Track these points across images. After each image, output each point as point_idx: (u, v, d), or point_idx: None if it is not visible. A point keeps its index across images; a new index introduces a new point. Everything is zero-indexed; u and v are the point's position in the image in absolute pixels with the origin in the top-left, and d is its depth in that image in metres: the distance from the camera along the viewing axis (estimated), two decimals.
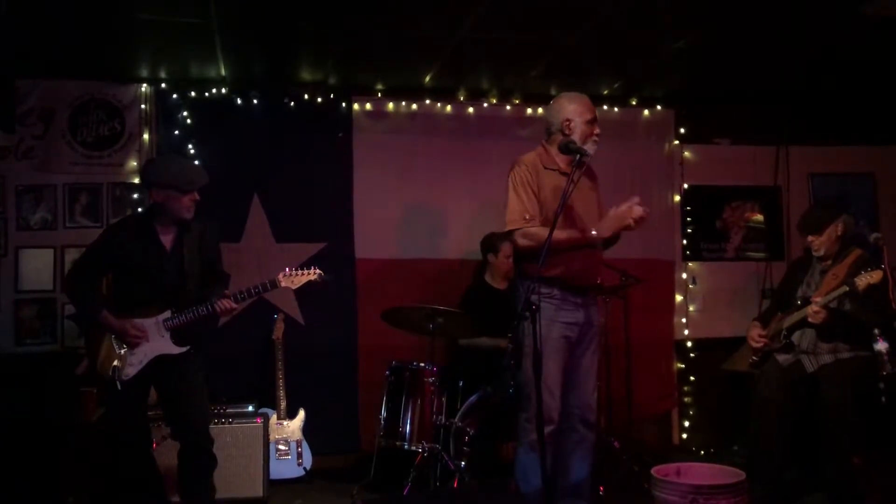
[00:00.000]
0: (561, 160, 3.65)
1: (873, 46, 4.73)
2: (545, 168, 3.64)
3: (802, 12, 4.18)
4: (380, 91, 5.44)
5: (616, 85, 5.53)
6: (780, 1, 4.03)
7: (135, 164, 5.14)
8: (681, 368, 5.85)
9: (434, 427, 4.42)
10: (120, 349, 3.63)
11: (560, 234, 3.41)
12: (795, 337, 4.28)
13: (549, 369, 3.46)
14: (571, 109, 3.65)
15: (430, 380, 4.47)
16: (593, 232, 3.50)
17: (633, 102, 5.81)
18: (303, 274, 3.89)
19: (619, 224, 3.50)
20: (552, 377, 3.51)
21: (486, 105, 5.60)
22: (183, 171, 3.66)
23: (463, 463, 4.31)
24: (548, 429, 3.49)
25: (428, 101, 5.52)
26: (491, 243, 4.97)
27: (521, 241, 3.58)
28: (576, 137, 3.60)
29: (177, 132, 5.17)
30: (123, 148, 5.15)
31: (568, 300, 3.56)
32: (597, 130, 3.64)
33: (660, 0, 3.99)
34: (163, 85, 5.18)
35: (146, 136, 5.17)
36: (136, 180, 5.09)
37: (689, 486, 3.55)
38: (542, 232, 3.37)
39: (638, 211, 3.50)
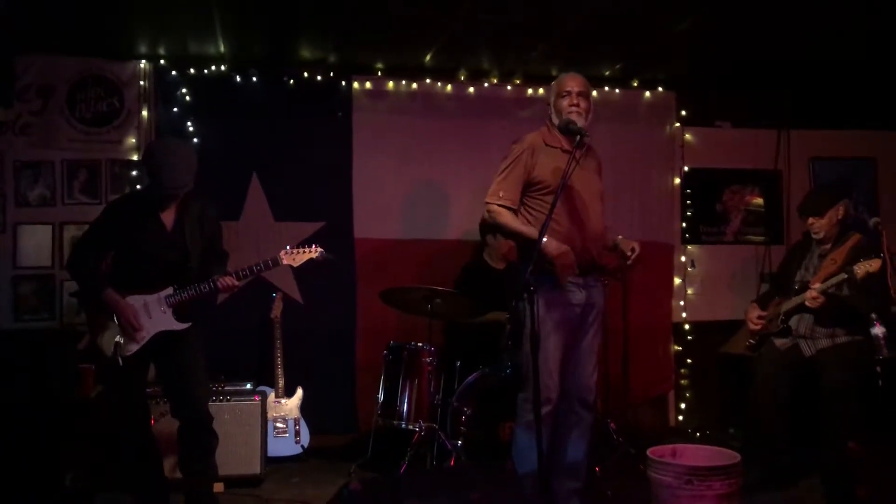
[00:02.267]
0: (564, 139, 3.65)
1: (872, 31, 4.69)
2: (546, 145, 3.65)
3: None
4: (380, 70, 5.41)
5: (617, 66, 5.50)
6: None
7: (133, 141, 5.12)
8: (678, 351, 5.86)
9: (431, 407, 4.44)
10: (121, 326, 3.63)
11: (515, 224, 3.57)
12: (793, 321, 4.29)
13: (548, 350, 3.47)
14: (552, 90, 3.72)
15: (428, 360, 4.48)
16: (544, 239, 3.39)
17: (635, 84, 5.78)
18: (304, 252, 3.89)
19: (561, 264, 3.42)
20: (551, 358, 3.52)
21: (486, 85, 5.58)
22: (162, 170, 3.54)
23: (460, 442, 4.34)
24: (545, 409, 3.51)
25: (428, 81, 5.49)
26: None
27: (485, 216, 3.70)
28: (560, 116, 3.64)
29: (175, 109, 5.15)
30: (122, 125, 5.13)
31: (570, 281, 3.55)
32: (573, 101, 3.62)
33: None
34: (162, 62, 5.15)
35: (145, 114, 5.15)
36: (135, 157, 5.08)
37: (685, 468, 3.57)
38: (502, 216, 3.57)
39: (633, 258, 3.64)
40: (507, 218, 3.59)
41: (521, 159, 3.61)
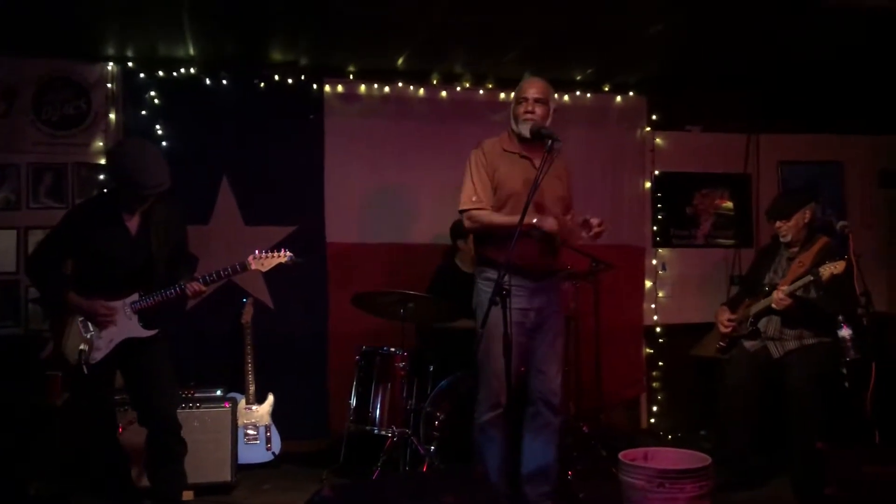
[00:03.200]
0: (521, 145, 3.68)
1: (839, 37, 4.77)
2: (504, 151, 3.70)
3: (772, 2, 4.19)
4: (352, 73, 5.38)
5: (589, 71, 5.53)
6: None
7: (101, 144, 5.04)
8: (650, 354, 5.90)
9: (404, 412, 4.43)
10: (87, 333, 3.57)
11: (499, 218, 3.59)
12: (762, 324, 4.34)
13: (496, 353, 3.48)
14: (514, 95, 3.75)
15: (401, 364, 4.47)
16: (534, 220, 3.49)
17: (606, 89, 5.81)
18: (273, 256, 3.83)
19: (566, 232, 3.47)
20: (499, 362, 3.53)
21: (459, 89, 5.57)
22: (139, 172, 3.49)
23: (433, 447, 4.32)
24: (495, 412, 3.56)
25: (401, 84, 5.47)
26: (460, 228, 4.97)
27: (467, 223, 3.75)
28: (516, 122, 3.68)
29: (144, 112, 5.08)
30: (89, 128, 5.05)
31: (520, 286, 3.55)
32: (528, 108, 3.65)
33: None
34: (130, 64, 5.07)
35: (113, 116, 5.07)
36: (103, 161, 4.99)
37: (656, 471, 3.59)
38: (486, 215, 3.62)
39: (596, 230, 3.53)
40: (489, 217, 3.63)
41: (483, 163, 3.67)
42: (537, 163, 3.62)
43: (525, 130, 3.64)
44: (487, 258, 3.71)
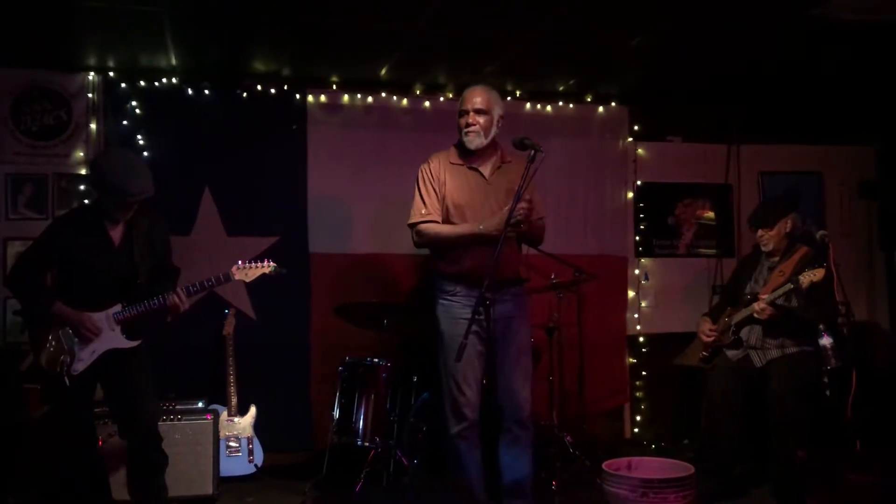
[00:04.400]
0: (469, 157, 3.70)
1: (822, 49, 4.83)
2: (451, 164, 3.72)
3: (753, 14, 4.23)
4: (335, 83, 5.38)
5: (571, 82, 5.56)
6: (731, 4, 4.08)
7: (82, 154, 5.01)
8: (633, 363, 5.91)
9: (388, 423, 4.40)
10: (68, 344, 3.53)
11: (447, 229, 3.61)
12: (744, 332, 4.36)
13: (456, 367, 3.48)
14: None
15: (384, 375, 4.45)
16: (480, 227, 3.51)
17: (589, 99, 5.84)
18: (256, 267, 3.82)
19: (501, 221, 3.41)
20: (460, 374, 3.53)
21: (442, 100, 5.58)
22: (123, 179, 3.48)
23: (416, 459, 4.30)
24: (461, 425, 3.54)
25: (384, 95, 5.48)
26: None
27: (415, 238, 3.74)
28: (460, 134, 3.68)
29: (125, 122, 5.05)
30: (70, 138, 5.02)
31: (474, 297, 3.43)
32: (469, 120, 3.64)
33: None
34: (111, 74, 5.05)
35: (93, 127, 5.04)
36: (84, 171, 4.97)
37: (640, 480, 3.61)
38: (433, 228, 3.62)
39: (522, 206, 3.44)
40: (438, 228, 3.64)
41: (431, 177, 3.69)
42: (486, 173, 3.66)
43: (470, 143, 3.63)
44: (441, 271, 3.70)
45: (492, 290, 3.51)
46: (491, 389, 3.60)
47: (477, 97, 3.66)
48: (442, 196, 3.69)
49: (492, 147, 3.72)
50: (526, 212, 3.46)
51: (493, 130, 3.67)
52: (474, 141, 3.64)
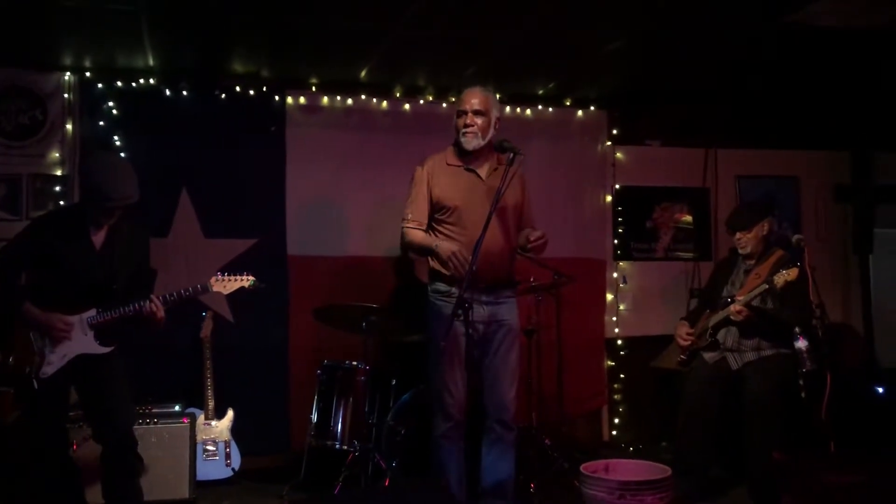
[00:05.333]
0: (466, 158, 3.72)
1: (794, 54, 4.88)
2: (448, 165, 3.74)
3: (729, 19, 4.27)
4: (314, 85, 5.36)
5: (551, 85, 5.58)
6: (708, 8, 4.12)
7: (57, 155, 4.95)
8: (611, 366, 5.93)
9: (366, 426, 4.39)
10: (38, 346, 3.48)
11: (418, 238, 3.69)
12: (720, 335, 4.39)
13: (446, 368, 3.50)
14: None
15: (363, 379, 4.44)
16: (436, 245, 3.60)
17: (568, 103, 5.86)
18: (235, 280, 3.83)
19: (452, 264, 3.49)
20: (449, 375, 3.54)
21: (422, 102, 5.58)
22: (107, 183, 3.46)
23: (394, 462, 4.30)
24: (447, 425, 3.56)
25: (364, 97, 5.46)
26: None
27: (400, 240, 3.81)
28: (457, 134, 3.71)
29: (102, 123, 4.99)
30: (45, 138, 4.95)
31: (469, 299, 3.49)
32: (467, 121, 3.66)
33: (593, 3, 4.03)
34: (87, 74, 4.99)
35: (69, 127, 4.97)
36: (59, 172, 4.92)
37: (617, 483, 3.62)
38: (409, 234, 3.70)
39: (532, 244, 3.62)
40: (412, 235, 3.70)
41: (422, 180, 3.71)
42: (483, 174, 3.68)
43: (467, 144, 3.65)
44: (435, 271, 3.74)
45: (484, 292, 3.56)
46: (478, 390, 3.62)
47: (475, 98, 3.68)
48: (431, 199, 3.71)
49: (489, 148, 3.73)
50: (542, 243, 3.59)
51: (491, 132, 3.70)
52: (472, 142, 3.65)
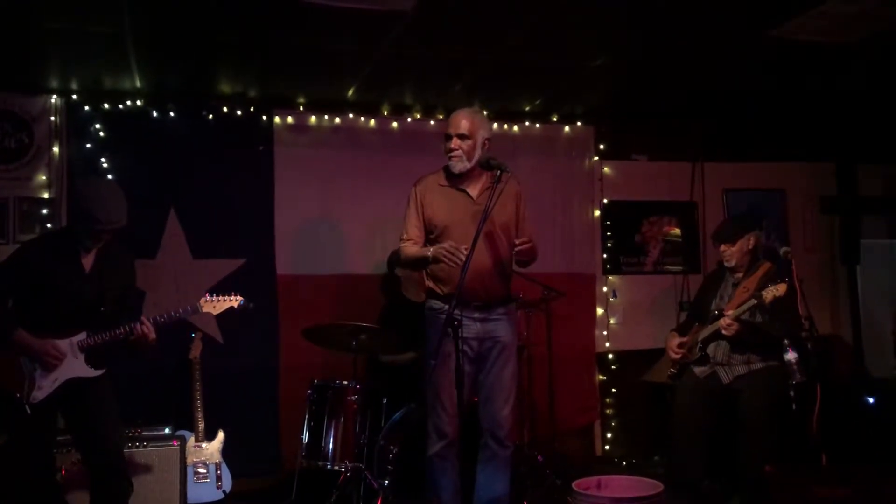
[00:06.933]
0: (456, 178, 3.75)
1: (778, 68, 4.92)
2: (440, 186, 3.78)
3: (712, 36, 4.31)
4: (302, 104, 5.37)
5: (538, 101, 5.61)
6: (691, 25, 4.15)
7: (44, 178, 4.93)
8: (603, 380, 5.93)
9: (357, 446, 4.36)
10: (28, 370, 3.46)
11: (411, 251, 3.74)
12: (710, 349, 4.40)
13: (443, 385, 3.49)
14: None
15: (353, 398, 4.41)
16: (429, 252, 3.62)
17: (555, 119, 5.89)
18: (224, 300, 3.86)
19: (445, 257, 3.52)
20: (445, 392, 3.54)
21: (409, 120, 5.60)
22: (96, 208, 3.48)
23: (387, 482, 4.27)
24: (443, 442, 3.55)
25: (351, 116, 5.47)
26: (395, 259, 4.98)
27: (398, 259, 3.89)
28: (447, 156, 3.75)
29: (89, 145, 4.98)
30: (32, 161, 4.94)
31: (464, 316, 3.54)
32: (452, 145, 3.70)
33: (578, 20, 4.06)
34: (74, 96, 4.98)
35: (56, 150, 4.96)
36: (46, 195, 4.90)
37: (609, 500, 3.61)
38: (405, 249, 3.77)
39: (518, 248, 3.66)
40: (407, 251, 3.77)
41: (415, 200, 3.78)
42: (474, 194, 3.71)
43: (453, 167, 3.71)
44: (430, 290, 3.78)
45: (476, 309, 3.59)
46: (474, 408, 3.62)
47: (461, 121, 3.70)
48: (424, 218, 3.76)
49: (479, 168, 3.74)
50: (528, 247, 3.62)
51: (478, 153, 3.71)
52: (457, 165, 3.70)
